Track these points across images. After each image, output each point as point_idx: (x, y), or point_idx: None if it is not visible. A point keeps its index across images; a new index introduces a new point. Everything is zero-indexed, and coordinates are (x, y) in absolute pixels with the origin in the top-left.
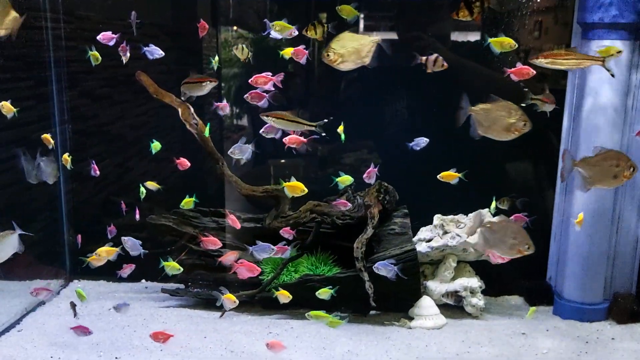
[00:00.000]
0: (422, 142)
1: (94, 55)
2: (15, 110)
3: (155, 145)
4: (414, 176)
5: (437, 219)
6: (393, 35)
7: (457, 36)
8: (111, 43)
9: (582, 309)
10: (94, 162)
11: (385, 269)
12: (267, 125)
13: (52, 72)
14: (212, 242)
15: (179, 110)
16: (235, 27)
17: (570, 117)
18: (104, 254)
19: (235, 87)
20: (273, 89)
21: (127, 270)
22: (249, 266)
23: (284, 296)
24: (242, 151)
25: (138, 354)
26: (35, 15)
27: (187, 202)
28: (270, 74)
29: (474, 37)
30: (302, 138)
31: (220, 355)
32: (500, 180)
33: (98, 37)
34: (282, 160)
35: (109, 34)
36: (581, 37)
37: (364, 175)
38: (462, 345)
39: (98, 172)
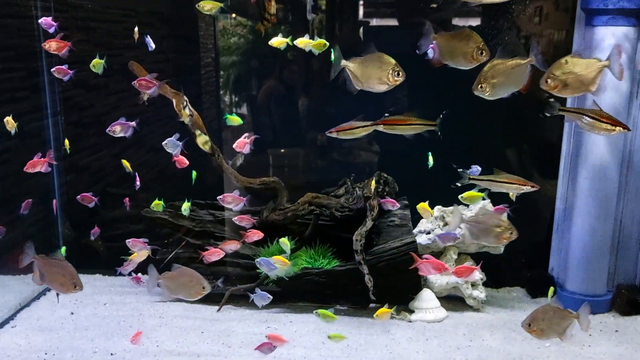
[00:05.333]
0: (475, 170)
1: (97, 62)
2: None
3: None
4: (414, 167)
5: (438, 210)
6: (393, 22)
7: (458, 21)
8: (51, 30)
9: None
10: (137, 174)
11: (266, 266)
12: (114, 122)
13: (43, 63)
14: (215, 254)
15: (173, 101)
16: (234, 15)
17: (573, 105)
18: (137, 257)
19: (234, 75)
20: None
21: (128, 267)
22: (435, 263)
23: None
24: (173, 146)
25: (134, 349)
26: (25, 3)
27: (157, 205)
28: None
29: (475, 22)
30: (246, 140)
31: (218, 351)
32: (502, 169)
33: (40, 21)
34: (282, 150)
35: (49, 19)
36: (585, 24)
37: None
38: (463, 338)
39: (138, 184)
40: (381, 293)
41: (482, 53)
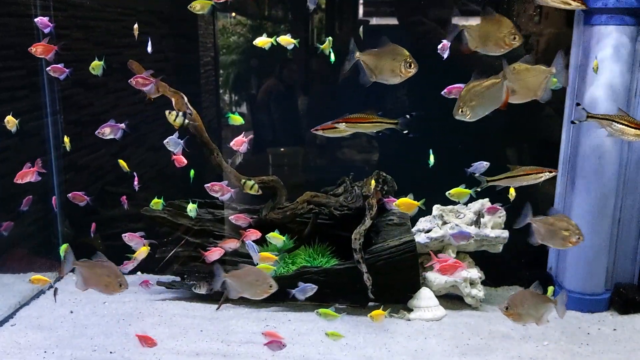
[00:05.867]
0: (480, 166)
1: (97, 65)
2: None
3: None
4: (413, 165)
5: (437, 209)
6: (393, 20)
7: (457, 21)
8: (47, 30)
9: (583, 300)
10: (135, 174)
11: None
12: (103, 125)
13: (42, 61)
14: (216, 252)
15: (173, 100)
16: (234, 14)
17: (571, 108)
18: (140, 254)
19: (234, 74)
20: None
21: (128, 265)
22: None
23: None
24: (175, 144)
25: (133, 348)
26: (25, 2)
27: (156, 203)
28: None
29: (475, 21)
30: (244, 139)
31: (217, 349)
32: (501, 170)
33: (36, 20)
34: (282, 149)
35: (45, 19)
36: (583, 23)
37: None
38: (462, 337)
39: (137, 186)
40: (380, 292)
41: (514, 38)
